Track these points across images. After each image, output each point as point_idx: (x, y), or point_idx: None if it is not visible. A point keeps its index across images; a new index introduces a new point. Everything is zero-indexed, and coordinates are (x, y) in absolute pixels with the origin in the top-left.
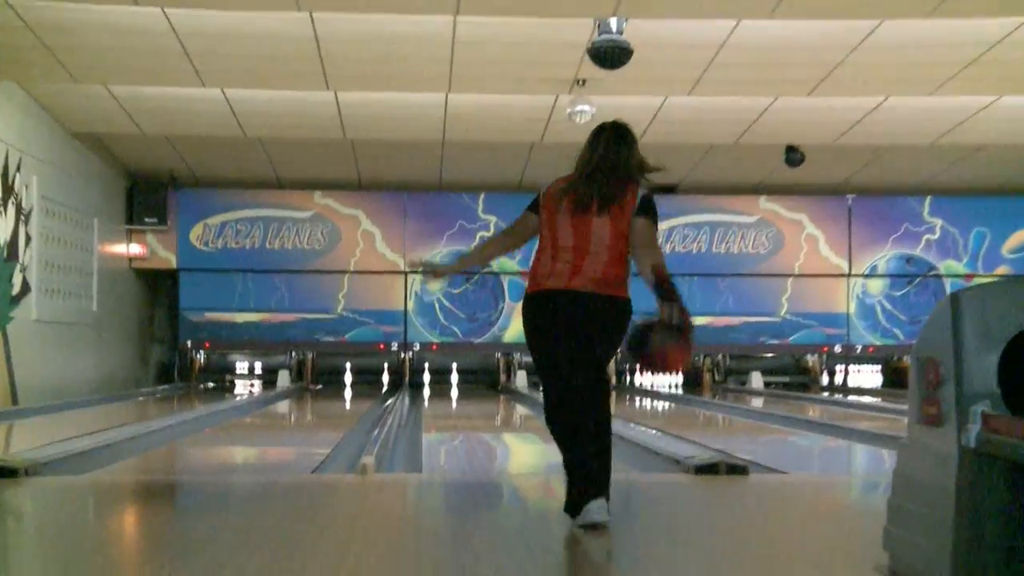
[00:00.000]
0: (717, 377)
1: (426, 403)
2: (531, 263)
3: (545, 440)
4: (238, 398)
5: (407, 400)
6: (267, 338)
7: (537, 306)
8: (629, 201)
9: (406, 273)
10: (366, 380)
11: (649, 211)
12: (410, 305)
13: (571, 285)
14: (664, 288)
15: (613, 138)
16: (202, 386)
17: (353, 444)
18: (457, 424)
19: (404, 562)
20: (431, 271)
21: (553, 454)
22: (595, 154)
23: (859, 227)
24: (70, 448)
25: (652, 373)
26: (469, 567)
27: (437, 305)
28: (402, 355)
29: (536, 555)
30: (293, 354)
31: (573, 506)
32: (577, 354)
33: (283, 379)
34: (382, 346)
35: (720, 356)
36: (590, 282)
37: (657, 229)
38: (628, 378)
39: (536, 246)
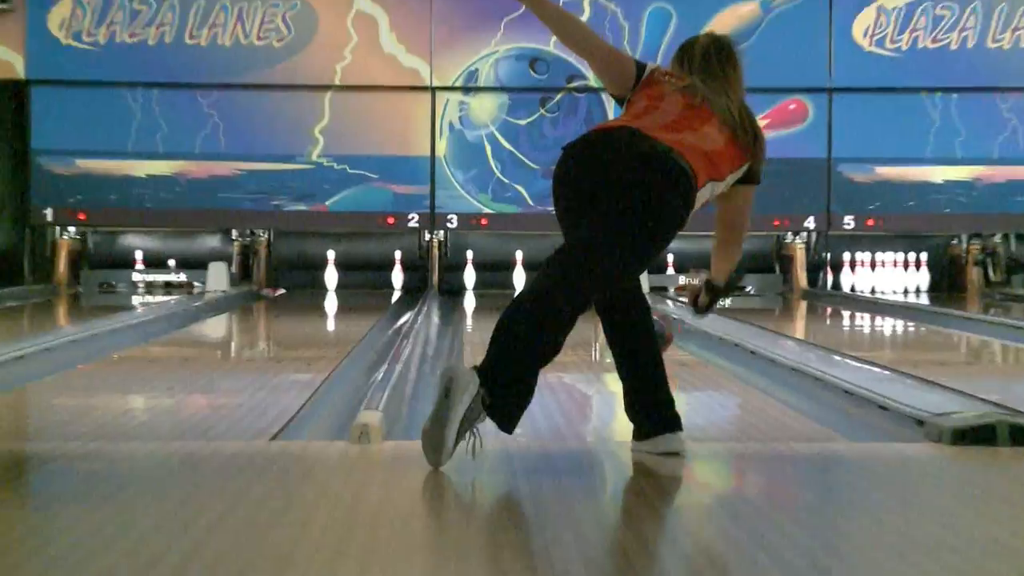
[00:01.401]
0: (993, 275)
1: (469, 322)
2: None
3: (681, 388)
4: (138, 311)
5: (436, 317)
6: (188, 205)
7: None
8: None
9: (434, 89)
10: (365, 281)
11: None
12: (442, 147)
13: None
14: (724, 285)
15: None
16: (76, 290)
17: (343, 392)
18: None
19: None
20: None
21: (689, 409)
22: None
23: None
24: None
25: None
26: None
27: (489, 146)
28: (427, 236)
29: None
30: (235, 235)
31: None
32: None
33: (217, 278)
34: (391, 219)
35: (998, 238)
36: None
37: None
38: (828, 280)
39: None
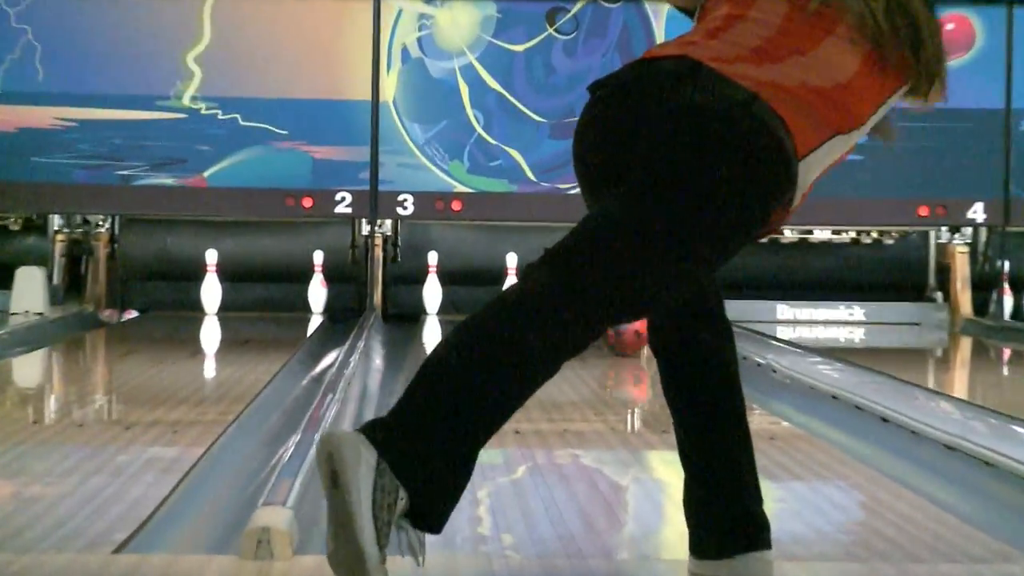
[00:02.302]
0: None
1: None
2: None
3: (768, 475)
4: None
5: (378, 357)
6: None
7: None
8: None
9: None
10: (266, 300)
11: None
12: (390, 86)
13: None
14: None
15: None
16: None
17: (230, 476)
18: (520, 428)
19: None
20: None
21: (781, 508)
22: None
23: None
24: None
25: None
26: None
27: (466, 87)
28: (366, 228)
29: None
30: (57, 224)
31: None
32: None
33: (28, 293)
34: (309, 201)
35: None
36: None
37: None
38: (1005, 303)
39: None
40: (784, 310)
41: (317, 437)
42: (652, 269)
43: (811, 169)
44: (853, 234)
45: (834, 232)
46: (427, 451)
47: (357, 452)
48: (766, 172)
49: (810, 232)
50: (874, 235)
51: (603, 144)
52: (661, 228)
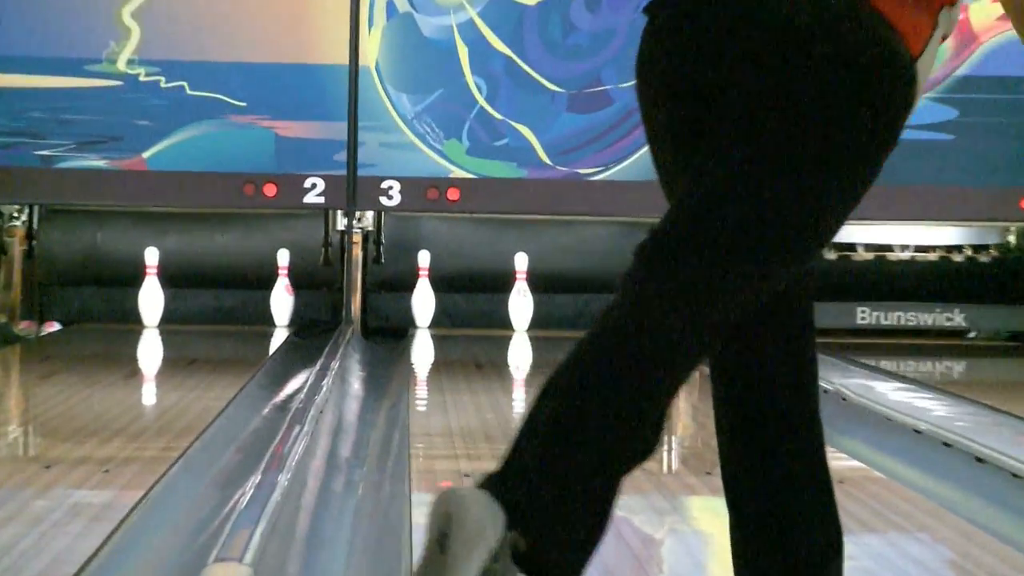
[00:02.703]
0: None
1: (421, 390)
2: None
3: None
4: None
5: (356, 381)
6: None
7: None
8: None
9: None
10: (217, 311)
11: None
12: (373, 48)
13: None
14: None
15: None
16: None
17: (175, 527)
18: None
19: None
20: None
21: (852, 568)
22: None
23: None
24: None
25: None
26: None
27: (465, 48)
28: (343, 222)
29: None
30: None
31: None
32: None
33: None
34: (272, 188)
35: None
36: None
37: None
38: None
39: None
40: (865, 313)
41: (284, 481)
42: (781, 242)
43: (927, 62)
44: (942, 252)
45: (917, 250)
46: (564, 511)
47: (481, 527)
48: (888, 92)
49: (889, 249)
50: (968, 252)
51: (680, 79)
52: (787, 192)
